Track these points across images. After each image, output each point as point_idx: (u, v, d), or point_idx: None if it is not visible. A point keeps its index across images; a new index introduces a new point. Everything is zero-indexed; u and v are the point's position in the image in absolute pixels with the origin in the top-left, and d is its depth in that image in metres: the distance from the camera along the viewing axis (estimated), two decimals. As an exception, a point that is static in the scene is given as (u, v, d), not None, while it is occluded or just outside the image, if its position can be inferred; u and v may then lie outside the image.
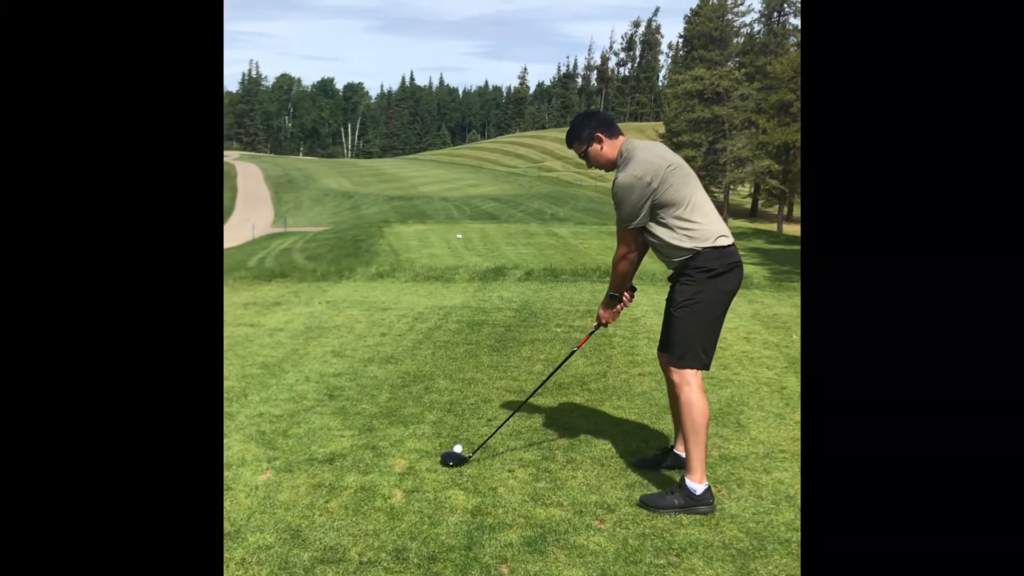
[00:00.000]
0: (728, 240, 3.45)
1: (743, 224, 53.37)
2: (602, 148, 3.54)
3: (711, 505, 3.33)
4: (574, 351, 4.18)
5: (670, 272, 3.59)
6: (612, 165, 3.56)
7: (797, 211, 57.98)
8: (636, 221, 3.41)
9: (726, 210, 56.56)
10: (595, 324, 3.90)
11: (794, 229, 49.72)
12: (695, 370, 3.44)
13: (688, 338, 3.43)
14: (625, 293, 3.77)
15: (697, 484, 3.33)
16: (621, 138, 3.56)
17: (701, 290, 3.40)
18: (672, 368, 3.48)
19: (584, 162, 3.65)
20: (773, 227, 51.51)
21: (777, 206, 54.49)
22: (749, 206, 61.84)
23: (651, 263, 4.23)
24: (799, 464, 3.84)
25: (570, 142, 3.64)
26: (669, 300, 3.56)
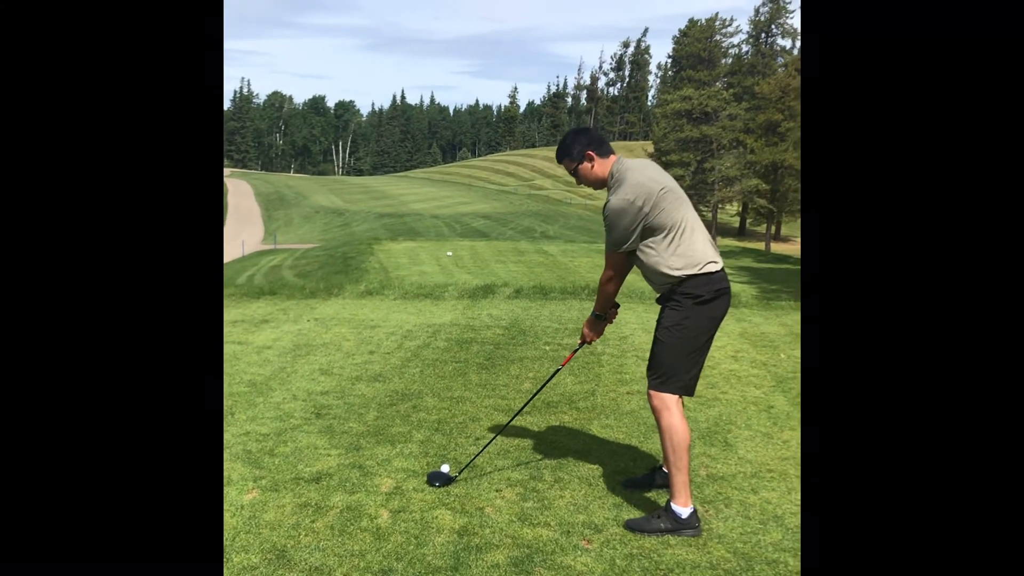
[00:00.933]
0: (717, 266, 3.41)
1: (731, 243, 53.60)
2: (592, 167, 3.51)
3: (697, 528, 3.31)
4: (558, 369, 4.17)
5: (658, 294, 3.58)
6: (602, 184, 3.54)
7: (785, 230, 58.32)
8: (626, 245, 3.39)
9: (714, 228, 56.83)
10: (580, 342, 3.89)
11: (782, 248, 49.98)
12: (675, 395, 3.42)
13: (671, 363, 3.40)
14: (611, 309, 3.77)
15: (682, 508, 3.32)
16: (612, 157, 3.52)
17: (688, 316, 3.38)
18: (652, 392, 3.44)
19: (574, 179, 3.61)
20: (761, 246, 51.77)
21: (765, 225, 54.80)
22: (737, 225, 62.15)
23: (638, 280, 4.24)
24: (786, 484, 3.85)
25: (560, 158, 3.61)
26: (657, 323, 3.56)
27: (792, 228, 60.10)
